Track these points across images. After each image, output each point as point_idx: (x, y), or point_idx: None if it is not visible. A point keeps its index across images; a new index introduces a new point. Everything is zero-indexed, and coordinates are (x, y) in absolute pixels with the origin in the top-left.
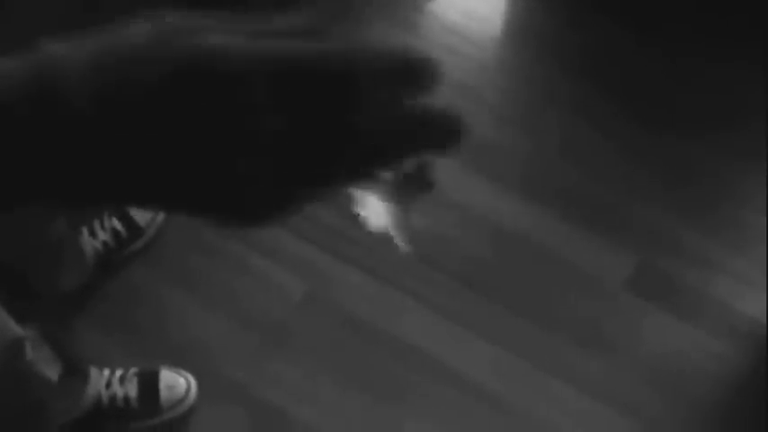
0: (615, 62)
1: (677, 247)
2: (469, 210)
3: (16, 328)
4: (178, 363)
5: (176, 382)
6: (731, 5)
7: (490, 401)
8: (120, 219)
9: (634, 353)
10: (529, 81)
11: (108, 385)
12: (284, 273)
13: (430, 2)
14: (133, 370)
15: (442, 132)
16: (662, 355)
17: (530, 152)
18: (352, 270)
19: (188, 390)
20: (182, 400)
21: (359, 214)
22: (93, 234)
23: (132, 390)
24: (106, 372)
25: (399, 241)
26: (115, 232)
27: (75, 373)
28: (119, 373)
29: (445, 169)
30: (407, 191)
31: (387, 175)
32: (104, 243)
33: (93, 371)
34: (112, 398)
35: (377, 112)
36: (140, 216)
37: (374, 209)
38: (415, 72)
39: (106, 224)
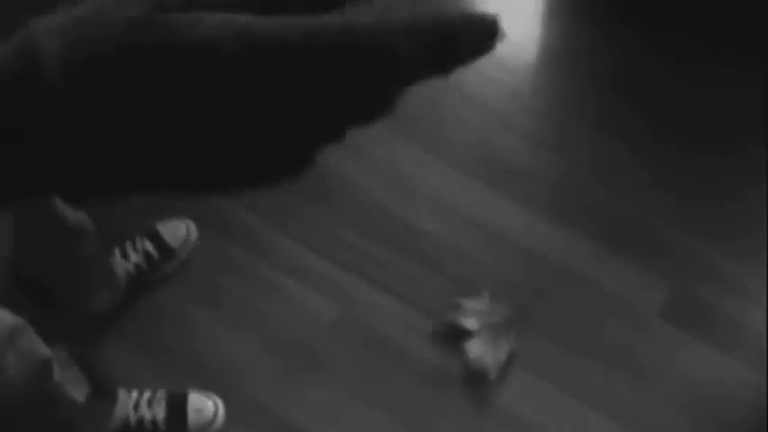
0: (645, 80)
1: (710, 272)
2: (501, 233)
3: (44, 349)
4: (205, 383)
5: (204, 406)
6: (763, 23)
7: (516, 425)
8: (152, 240)
9: (666, 380)
10: (562, 105)
11: (136, 407)
12: (313, 294)
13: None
14: (161, 392)
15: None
16: (695, 383)
17: (562, 176)
18: (381, 292)
19: (215, 413)
20: (209, 424)
21: (467, 352)
22: (125, 256)
23: (160, 412)
24: (134, 394)
25: (492, 374)
26: (147, 254)
27: (103, 394)
28: (147, 395)
29: (478, 193)
30: (501, 338)
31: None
32: (136, 265)
33: (122, 393)
34: (140, 420)
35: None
36: (172, 238)
37: (478, 349)
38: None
39: (138, 246)
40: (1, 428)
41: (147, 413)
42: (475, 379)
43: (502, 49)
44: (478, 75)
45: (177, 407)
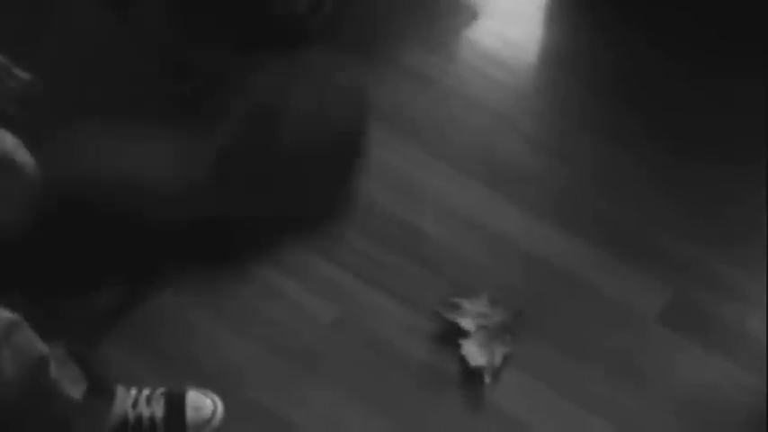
0: (646, 81)
1: (710, 277)
2: (501, 236)
3: (41, 346)
4: (205, 384)
5: (203, 404)
6: (765, 29)
7: (513, 427)
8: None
9: (665, 385)
10: (563, 107)
11: (134, 405)
12: (313, 296)
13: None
14: (160, 390)
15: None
16: (694, 388)
17: (563, 179)
18: (381, 294)
19: (214, 411)
20: (208, 422)
21: (462, 352)
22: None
23: (159, 410)
24: (133, 391)
25: (487, 377)
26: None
27: (100, 392)
28: (146, 392)
29: (478, 195)
30: (497, 341)
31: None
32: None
33: (120, 390)
34: (138, 418)
35: None
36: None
37: (473, 350)
38: None
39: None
40: None
41: (145, 411)
42: (471, 380)
43: (503, 50)
44: (479, 76)
45: (176, 404)
